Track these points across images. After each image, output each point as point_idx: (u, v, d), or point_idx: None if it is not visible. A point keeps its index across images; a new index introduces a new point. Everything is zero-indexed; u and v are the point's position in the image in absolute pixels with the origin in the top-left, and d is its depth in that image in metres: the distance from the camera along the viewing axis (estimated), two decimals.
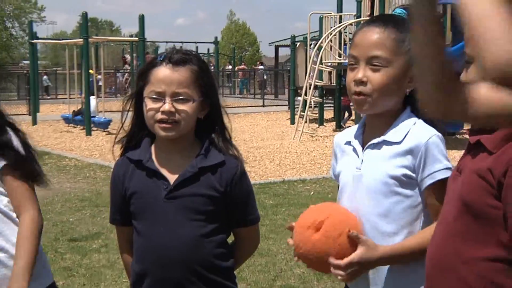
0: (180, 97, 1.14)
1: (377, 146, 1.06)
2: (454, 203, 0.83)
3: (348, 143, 1.12)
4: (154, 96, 1.14)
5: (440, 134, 1.03)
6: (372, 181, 1.05)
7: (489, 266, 0.76)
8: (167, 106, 1.13)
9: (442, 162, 1.01)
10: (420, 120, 1.05)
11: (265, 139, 7.67)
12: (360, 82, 1.04)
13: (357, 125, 1.14)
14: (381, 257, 1.01)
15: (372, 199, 1.04)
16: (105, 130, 8.46)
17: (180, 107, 1.14)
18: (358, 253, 1.01)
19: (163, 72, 1.14)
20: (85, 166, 5.74)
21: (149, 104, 1.15)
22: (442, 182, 0.99)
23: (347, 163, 1.11)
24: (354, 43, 1.07)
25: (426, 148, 1.00)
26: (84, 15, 8.68)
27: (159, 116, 1.13)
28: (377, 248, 1.01)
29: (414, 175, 1.03)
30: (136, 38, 9.68)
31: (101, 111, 8.79)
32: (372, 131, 1.08)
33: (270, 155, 6.26)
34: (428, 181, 1.01)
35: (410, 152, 1.02)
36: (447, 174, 1.00)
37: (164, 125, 1.14)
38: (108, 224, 1.30)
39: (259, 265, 2.86)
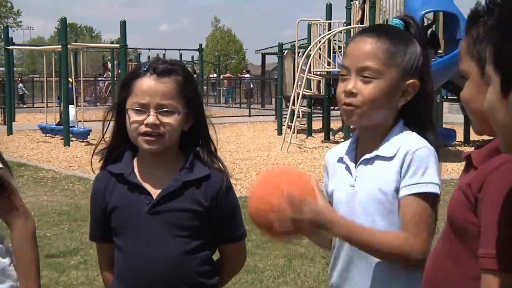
0: (165, 109, 1.10)
1: (370, 161, 1.03)
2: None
3: (341, 160, 1.08)
4: (138, 108, 1.11)
5: (431, 148, 0.99)
6: (367, 198, 1.02)
7: (477, 285, 0.73)
8: (151, 119, 1.09)
9: (426, 175, 0.96)
10: (414, 133, 1.02)
11: (251, 150, 7.54)
12: (350, 93, 1.01)
13: (349, 140, 1.10)
14: (336, 216, 0.94)
15: (367, 216, 1.01)
16: (84, 140, 8.28)
17: (165, 119, 1.11)
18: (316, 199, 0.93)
19: (147, 83, 1.11)
20: (63, 178, 5.57)
21: (132, 116, 1.11)
22: (421, 196, 0.95)
23: (340, 181, 1.07)
24: (346, 53, 1.05)
25: (411, 158, 0.98)
26: (63, 21, 8.47)
27: (143, 128, 1.10)
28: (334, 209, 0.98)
29: None
30: (118, 45, 9.55)
31: (80, 121, 8.60)
32: (365, 146, 1.05)
33: (256, 167, 6.13)
34: (404, 192, 0.96)
35: (401, 165, 0.99)
36: (428, 188, 0.95)
37: (147, 138, 1.11)
38: (88, 239, 1.25)
39: (245, 282, 2.78)
